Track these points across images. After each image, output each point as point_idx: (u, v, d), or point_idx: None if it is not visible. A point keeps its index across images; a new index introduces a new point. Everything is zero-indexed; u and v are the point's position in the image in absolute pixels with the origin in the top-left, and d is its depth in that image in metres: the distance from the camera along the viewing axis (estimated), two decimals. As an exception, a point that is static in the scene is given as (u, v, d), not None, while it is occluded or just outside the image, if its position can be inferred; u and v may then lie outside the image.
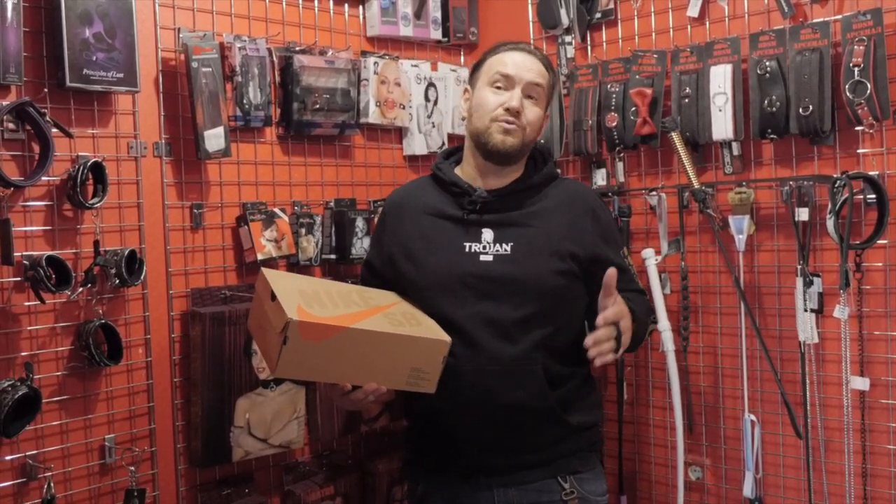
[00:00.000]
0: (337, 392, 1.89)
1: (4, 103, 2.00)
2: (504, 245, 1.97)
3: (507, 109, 1.96)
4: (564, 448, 1.99)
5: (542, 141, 2.81)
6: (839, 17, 2.32)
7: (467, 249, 1.98)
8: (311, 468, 2.62)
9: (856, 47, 2.24)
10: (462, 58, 3.14)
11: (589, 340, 1.76)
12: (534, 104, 2.00)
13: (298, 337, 1.74)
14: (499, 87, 2.00)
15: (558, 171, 2.17)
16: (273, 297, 1.80)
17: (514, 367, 1.91)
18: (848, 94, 2.25)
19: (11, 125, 2.03)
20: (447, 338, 1.90)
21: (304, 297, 1.85)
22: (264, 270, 1.94)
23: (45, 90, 2.09)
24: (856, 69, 2.24)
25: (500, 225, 1.99)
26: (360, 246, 2.67)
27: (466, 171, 2.08)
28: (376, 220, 2.67)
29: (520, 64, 2.00)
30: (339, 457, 2.70)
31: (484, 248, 1.98)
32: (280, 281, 1.91)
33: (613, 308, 1.79)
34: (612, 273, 1.78)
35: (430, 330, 1.92)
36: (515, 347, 1.92)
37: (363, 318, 1.87)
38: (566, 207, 2.02)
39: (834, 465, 2.42)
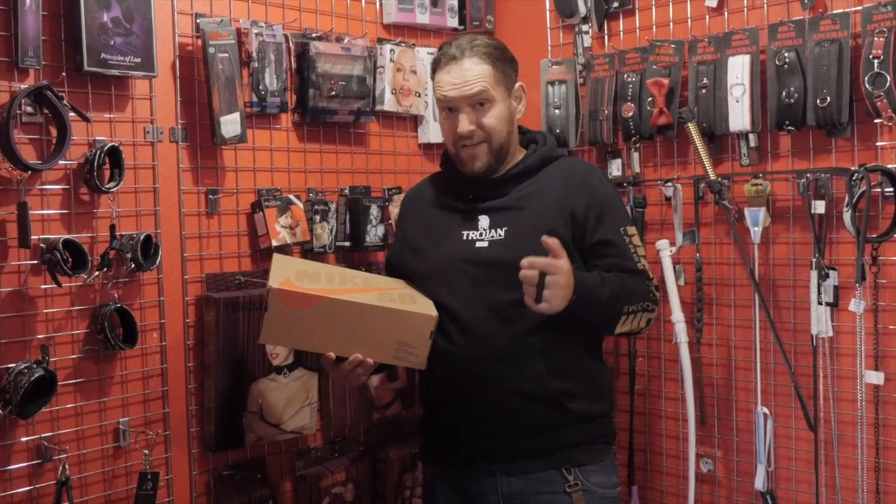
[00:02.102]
0: (326, 364, 1.95)
1: (23, 87, 2.01)
2: (499, 230, 1.99)
3: (460, 136, 2.00)
4: (567, 438, 1.99)
5: (557, 130, 2.84)
6: (859, 8, 2.30)
7: (465, 237, 2.02)
8: (322, 454, 2.63)
9: (876, 39, 2.22)
10: (478, 46, 3.12)
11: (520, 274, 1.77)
12: (486, 108, 1.99)
13: (279, 303, 1.84)
14: (448, 111, 2.03)
15: (564, 151, 2.15)
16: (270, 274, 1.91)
17: (510, 351, 1.93)
18: (867, 86, 2.23)
19: (29, 109, 2.04)
20: (434, 313, 1.94)
21: (299, 275, 1.94)
22: (275, 255, 2.03)
23: (63, 74, 2.09)
24: (875, 61, 2.22)
25: (495, 210, 2.02)
26: (375, 233, 2.67)
27: None
28: (391, 209, 2.70)
29: (454, 82, 1.99)
30: (351, 443, 2.71)
31: (480, 234, 2.01)
32: (283, 262, 2.01)
33: (544, 259, 1.77)
34: (549, 242, 1.77)
35: (420, 306, 1.96)
36: (512, 332, 1.93)
37: (352, 293, 1.93)
38: (560, 185, 2.02)
39: (846, 458, 2.41)
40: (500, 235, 1.99)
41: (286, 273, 1.91)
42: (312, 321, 1.87)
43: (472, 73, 1.98)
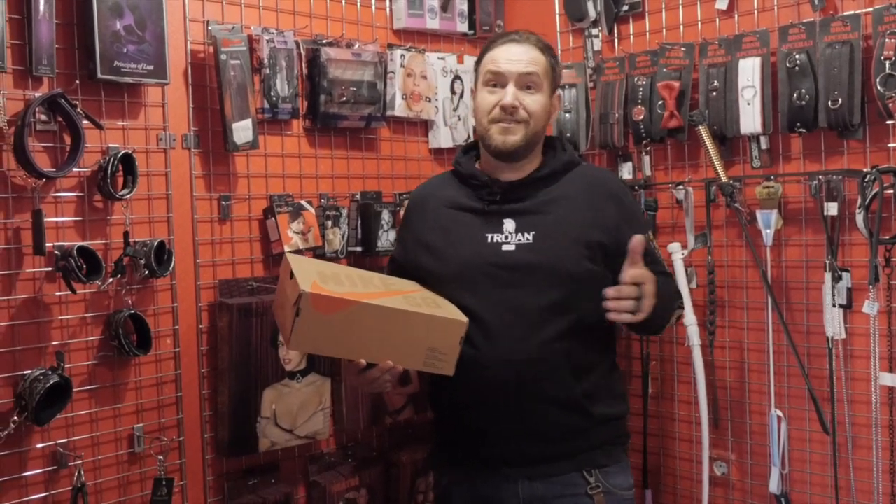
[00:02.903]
0: (352, 370, 1.90)
1: (37, 95, 2.02)
2: (526, 234, 1.97)
3: (503, 108, 1.97)
4: (588, 441, 1.98)
5: (567, 134, 2.84)
6: (870, 9, 2.30)
7: (489, 240, 1.99)
8: (336, 459, 2.64)
9: (887, 40, 2.22)
10: (488, 51, 3.13)
11: (610, 291, 1.76)
12: (532, 93, 1.99)
13: (311, 309, 1.77)
14: (493, 86, 2.01)
15: (581, 158, 2.16)
16: (292, 275, 1.84)
17: (538, 356, 1.91)
18: (879, 87, 2.23)
19: (43, 117, 2.05)
20: (464, 318, 1.90)
21: (322, 277, 1.88)
22: (287, 254, 1.98)
23: (77, 82, 2.11)
24: (887, 62, 2.21)
25: (520, 214, 1.99)
26: (386, 238, 2.67)
27: (485, 164, 2.09)
28: (402, 214, 2.70)
29: (510, 58, 1.99)
30: (364, 448, 2.72)
31: (506, 238, 1.98)
32: (301, 262, 1.95)
33: (638, 268, 1.77)
34: (638, 239, 1.78)
35: (448, 311, 1.93)
36: (539, 336, 1.92)
37: (380, 297, 1.89)
38: (587, 194, 2.01)
39: (861, 461, 2.41)
40: (527, 239, 1.96)
41: (310, 275, 1.85)
42: (344, 326, 1.82)
43: (529, 55, 2.00)
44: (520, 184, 2.02)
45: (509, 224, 1.99)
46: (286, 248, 2.45)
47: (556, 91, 2.08)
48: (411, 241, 2.14)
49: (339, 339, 1.84)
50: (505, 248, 1.97)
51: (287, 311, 1.85)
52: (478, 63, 2.08)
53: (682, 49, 2.65)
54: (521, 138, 1.98)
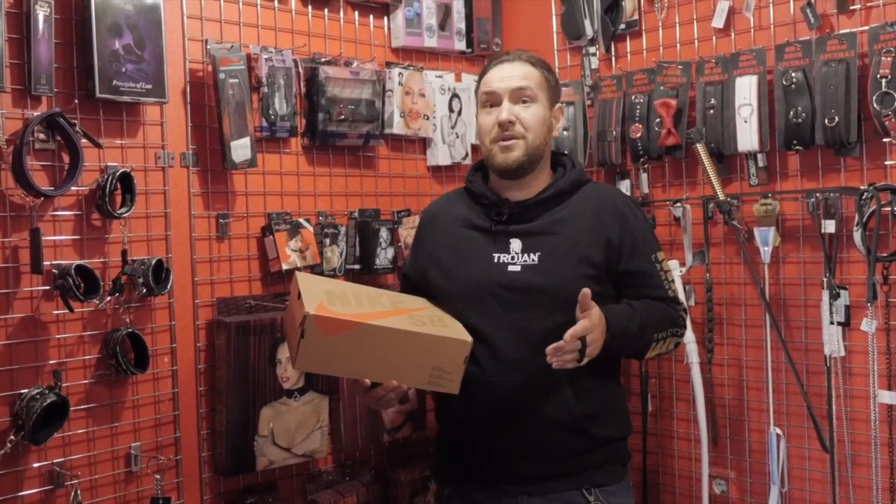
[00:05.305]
0: (359, 388, 1.91)
1: (35, 114, 2.03)
2: (532, 255, 1.97)
3: (500, 124, 1.99)
4: (590, 460, 1.98)
5: (566, 152, 2.84)
6: (866, 28, 2.31)
7: (496, 260, 1.99)
8: (333, 478, 2.63)
9: (883, 58, 2.23)
10: (486, 69, 3.14)
11: (551, 349, 1.77)
12: (527, 106, 2.00)
13: (316, 330, 1.79)
14: (490, 107, 2.03)
15: (589, 177, 2.16)
16: (300, 295, 1.85)
17: (540, 378, 1.91)
18: (875, 105, 2.23)
19: (42, 135, 2.06)
20: (469, 338, 1.91)
21: (329, 297, 1.90)
22: (298, 274, 1.99)
23: (76, 101, 2.11)
24: (883, 80, 2.22)
25: (527, 235, 2.00)
26: (384, 256, 2.68)
27: (493, 183, 2.09)
28: (400, 231, 2.70)
29: (502, 76, 2.02)
30: (362, 466, 2.71)
31: (512, 258, 1.99)
32: (309, 282, 1.97)
33: (581, 323, 1.79)
34: (586, 293, 1.79)
35: (453, 330, 1.93)
36: (542, 358, 1.91)
37: (386, 316, 1.90)
38: (592, 212, 2.01)
39: (861, 479, 2.40)
40: (533, 260, 1.97)
41: (317, 295, 1.87)
42: (349, 347, 1.83)
43: (519, 71, 2.02)
44: (528, 204, 2.02)
45: (516, 244, 1.99)
46: (284, 266, 2.45)
47: (557, 104, 2.09)
48: (423, 256, 2.14)
49: (344, 359, 1.85)
50: (511, 268, 1.97)
51: (294, 331, 1.86)
52: (476, 90, 2.11)
53: (679, 67, 2.66)
54: (522, 153, 1.99)
